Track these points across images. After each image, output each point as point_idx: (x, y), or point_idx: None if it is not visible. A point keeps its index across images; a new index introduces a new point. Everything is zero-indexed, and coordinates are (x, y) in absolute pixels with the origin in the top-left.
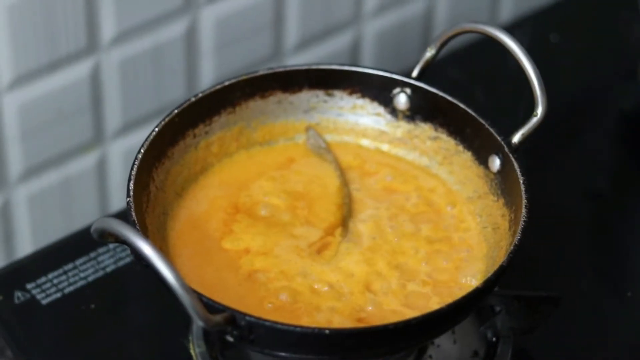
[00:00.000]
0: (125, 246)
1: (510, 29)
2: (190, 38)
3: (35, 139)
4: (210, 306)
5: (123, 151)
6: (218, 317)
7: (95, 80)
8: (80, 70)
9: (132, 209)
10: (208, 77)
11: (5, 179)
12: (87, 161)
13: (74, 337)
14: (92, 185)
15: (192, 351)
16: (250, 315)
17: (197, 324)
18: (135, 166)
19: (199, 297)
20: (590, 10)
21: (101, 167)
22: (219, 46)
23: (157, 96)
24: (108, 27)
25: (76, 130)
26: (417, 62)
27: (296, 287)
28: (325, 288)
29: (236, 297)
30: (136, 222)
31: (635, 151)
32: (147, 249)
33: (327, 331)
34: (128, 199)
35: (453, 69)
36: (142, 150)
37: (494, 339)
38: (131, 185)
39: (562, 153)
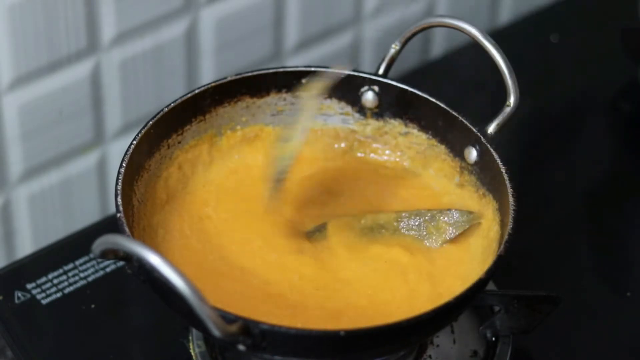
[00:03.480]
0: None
1: (510, 29)
2: (190, 38)
3: (35, 139)
4: (223, 317)
5: (123, 151)
6: (233, 327)
7: (95, 80)
8: (80, 70)
9: (124, 224)
10: (208, 77)
11: (6, 179)
12: (87, 161)
13: (74, 337)
14: (92, 186)
15: (192, 351)
16: (264, 323)
17: (214, 334)
18: (120, 181)
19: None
20: (590, 10)
21: (101, 168)
22: (219, 46)
23: (157, 96)
24: (108, 28)
25: (76, 131)
26: (424, 64)
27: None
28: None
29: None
30: (132, 237)
31: (635, 151)
32: (159, 263)
33: (342, 333)
34: (119, 214)
35: (447, 72)
36: (123, 164)
37: (493, 338)
38: (119, 200)
39: (561, 153)
